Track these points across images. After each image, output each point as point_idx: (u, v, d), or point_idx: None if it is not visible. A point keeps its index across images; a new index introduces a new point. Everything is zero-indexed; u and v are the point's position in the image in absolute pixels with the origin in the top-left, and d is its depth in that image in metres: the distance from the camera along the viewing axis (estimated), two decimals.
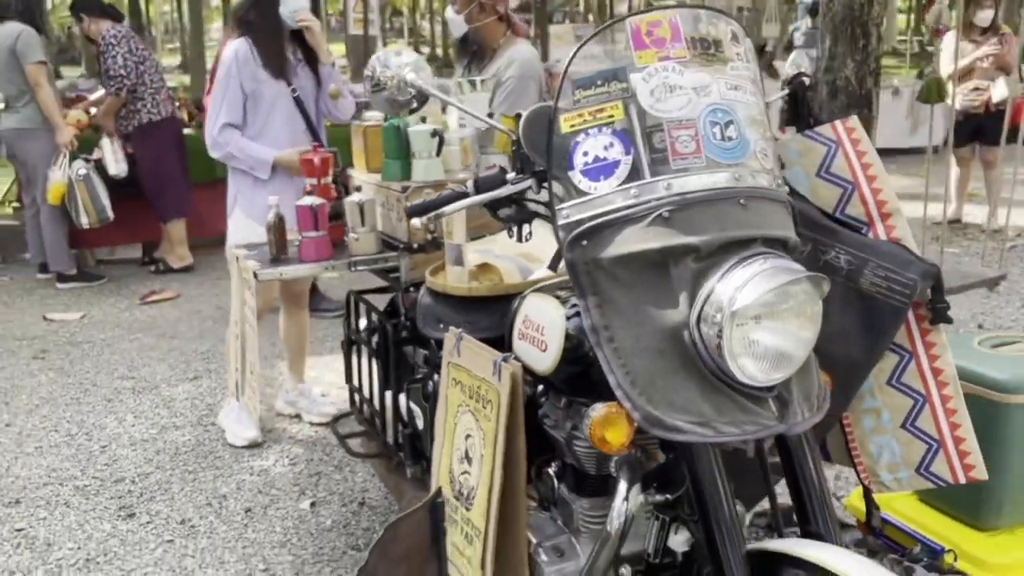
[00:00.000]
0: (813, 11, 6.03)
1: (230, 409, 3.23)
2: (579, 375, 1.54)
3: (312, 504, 2.77)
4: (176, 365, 4.01)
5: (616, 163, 1.32)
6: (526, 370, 1.59)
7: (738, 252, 1.28)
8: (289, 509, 2.74)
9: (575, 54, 1.36)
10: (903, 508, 1.99)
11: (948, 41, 6.01)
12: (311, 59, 3.08)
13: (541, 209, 1.46)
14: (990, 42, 5.79)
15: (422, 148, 2.20)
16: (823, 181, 1.66)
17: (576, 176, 1.34)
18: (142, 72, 5.05)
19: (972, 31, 5.88)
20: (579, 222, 1.33)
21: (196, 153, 5.33)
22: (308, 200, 2.22)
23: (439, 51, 25.82)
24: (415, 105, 1.52)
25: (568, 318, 1.53)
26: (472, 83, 2.38)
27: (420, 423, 2.14)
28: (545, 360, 1.55)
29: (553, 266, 1.53)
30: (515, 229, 1.53)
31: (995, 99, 5.81)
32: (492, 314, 1.88)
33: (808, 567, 1.24)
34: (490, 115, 2.31)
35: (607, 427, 1.34)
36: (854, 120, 1.66)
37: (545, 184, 1.39)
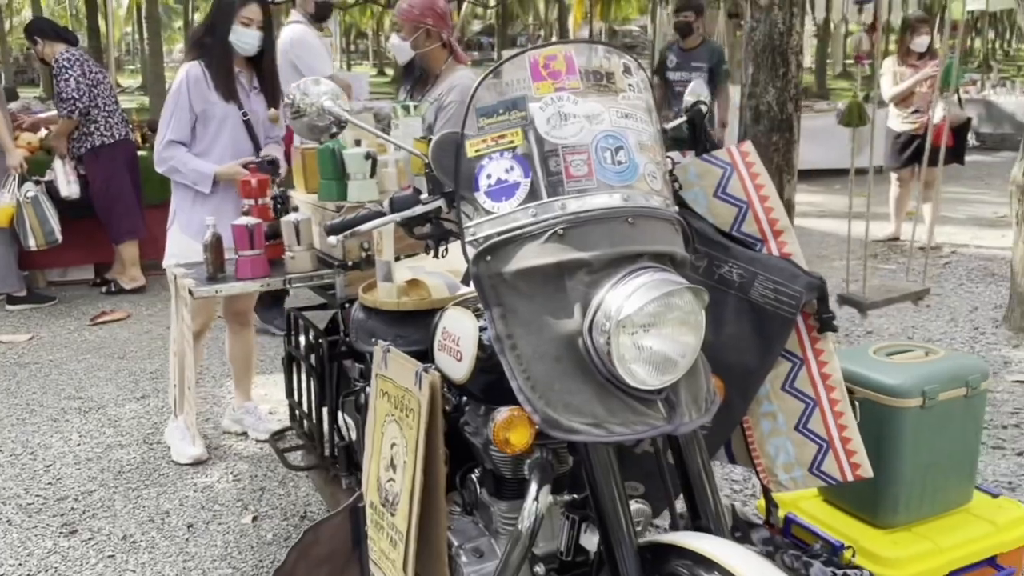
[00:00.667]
0: (682, 31, 6.17)
1: (176, 426, 3.27)
2: (493, 383, 1.63)
3: (254, 519, 2.82)
4: (124, 385, 4.04)
5: (516, 185, 1.42)
6: (450, 381, 1.69)
7: (626, 266, 1.38)
8: (231, 524, 2.79)
9: (478, 85, 1.47)
10: (808, 508, 2.11)
11: (887, 66, 6.26)
12: (266, 88, 3.16)
13: (454, 227, 1.56)
14: (929, 65, 6.00)
15: (356, 170, 2.30)
16: (720, 201, 1.78)
17: (481, 196, 1.44)
18: (95, 95, 5.09)
19: (910, 56, 6.11)
20: (484, 239, 1.43)
21: (149, 174, 5.37)
22: (244, 220, 2.30)
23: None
24: (334, 131, 1.62)
25: (482, 329, 1.63)
26: (407, 108, 2.48)
27: (354, 434, 2.22)
28: (461, 369, 1.64)
29: (465, 280, 1.63)
30: (432, 246, 1.62)
31: (934, 121, 6.01)
32: (420, 328, 1.97)
33: (693, 556, 1.34)
34: (427, 129, 2.42)
35: (510, 429, 1.44)
36: (748, 145, 1.80)
37: (454, 204, 1.50)
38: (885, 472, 1.91)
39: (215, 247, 2.31)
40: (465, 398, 1.82)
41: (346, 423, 2.28)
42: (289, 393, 2.67)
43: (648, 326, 1.36)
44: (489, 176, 1.44)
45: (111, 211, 5.29)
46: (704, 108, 1.82)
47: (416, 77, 3.20)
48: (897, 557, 1.90)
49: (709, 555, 1.33)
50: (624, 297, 1.35)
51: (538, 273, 1.40)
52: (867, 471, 1.72)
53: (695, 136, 1.81)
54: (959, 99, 6.21)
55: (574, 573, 1.73)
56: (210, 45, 3.04)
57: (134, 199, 5.36)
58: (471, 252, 1.45)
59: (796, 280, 1.67)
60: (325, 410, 2.39)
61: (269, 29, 3.10)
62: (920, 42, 6.05)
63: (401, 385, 1.78)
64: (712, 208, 1.79)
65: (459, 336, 1.67)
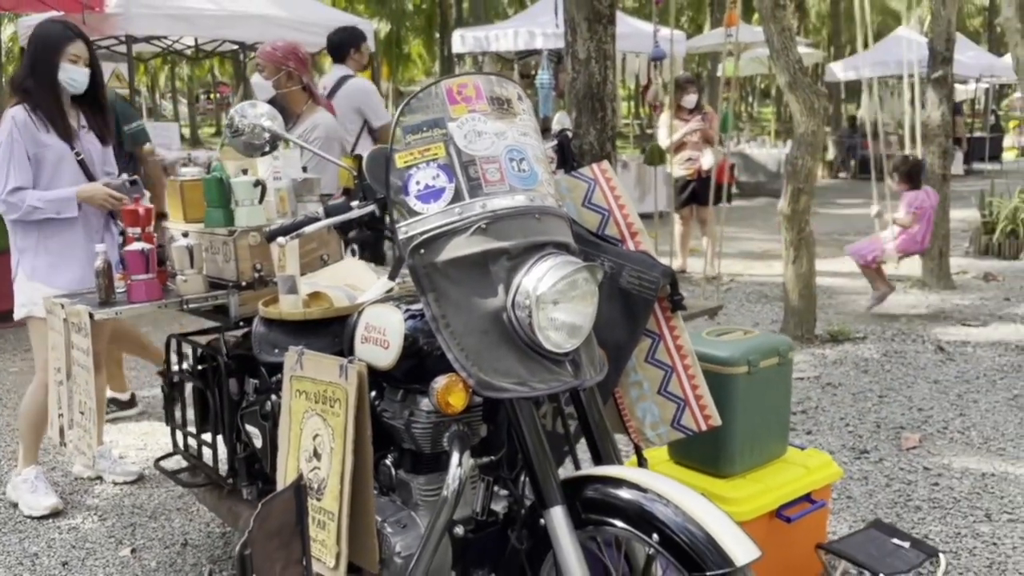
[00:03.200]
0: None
1: (22, 480, 3.15)
2: (415, 367, 1.88)
3: (132, 550, 2.81)
4: None
5: (442, 189, 1.71)
6: (375, 369, 1.90)
7: (537, 252, 1.70)
8: (109, 558, 2.77)
9: (403, 108, 1.74)
10: (663, 470, 2.49)
11: (663, 120, 7.17)
12: (94, 125, 3.14)
13: (380, 230, 1.81)
14: (695, 119, 6.99)
15: (245, 196, 2.46)
16: (587, 209, 2.16)
17: (411, 200, 1.71)
18: None
19: (682, 112, 7.07)
20: (416, 235, 1.69)
21: None
22: (138, 246, 2.39)
23: (185, 130, 25.25)
24: (267, 149, 1.82)
25: (405, 320, 1.88)
26: (286, 142, 2.66)
27: (259, 442, 2.35)
28: (388, 356, 1.88)
29: (393, 275, 1.86)
30: (356, 250, 1.86)
31: (704, 167, 6.99)
32: (324, 336, 2.18)
33: (602, 480, 1.66)
34: (304, 169, 2.62)
35: (449, 393, 1.69)
36: (606, 163, 2.19)
37: (386, 208, 1.75)
38: (723, 429, 2.32)
39: (107, 273, 2.37)
40: (374, 393, 2.05)
41: (246, 433, 2.40)
42: (170, 419, 2.72)
43: (559, 301, 1.67)
44: (418, 183, 1.71)
45: None
46: (569, 134, 2.20)
47: None
48: (738, 497, 2.31)
49: (616, 475, 1.65)
50: (537, 278, 1.66)
51: (466, 261, 1.68)
52: (716, 420, 2.12)
53: (564, 156, 2.18)
54: (721, 144, 7.22)
55: (487, 532, 1.99)
56: (33, 87, 2.98)
57: None
58: (405, 247, 1.71)
59: (654, 269, 2.06)
60: (219, 427, 2.49)
61: (96, 66, 3.08)
62: (689, 99, 7.06)
63: (322, 380, 1.98)
64: (581, 215, 2.15)
65: (384, 327, 1.90)
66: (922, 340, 5.19)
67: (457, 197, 1.70)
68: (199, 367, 2.57)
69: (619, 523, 1.61)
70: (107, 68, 8.21)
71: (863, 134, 17.11)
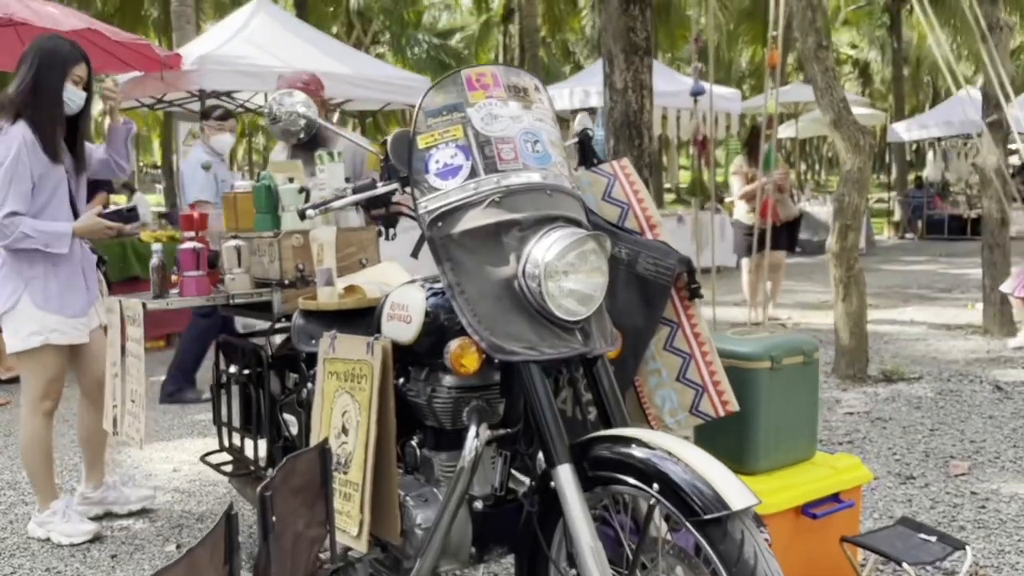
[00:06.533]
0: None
1: (51, 513, 3.03)
2: (436, 343, 1.98)
3: (178, 547, 2.93)
4: (16, 456, 4.00)
5: (460, 167, 1.83)
6: (399, 344, 2.00)
7: (548, 225, 1.80)
8: (155, 552, 2.89)
9: (426, 94, 1.89)
10: None
11: (737, 165, 7.08)
12: (71, 143, 3.01)
13: (404, 209, 1.94)
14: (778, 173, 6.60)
15: (291, 202, 2.63)
16: (607, 203, 2.25)
17: (431, 178, 1.84)
18: None
19: (757, 157, 7.00)
20: (435, 209, 1.81)
21: None
22: (190, 245, 2.57)
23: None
24: (303, 136, 1.98)
25: (427, 298, 1.99)
26: (331, 155, 2.85)
27: (295, 429, 2.46)
28: (410, 331, 1.98)
29: (414, 253, 1.98)
30: (383, 229, 1.99)
31: (782, 216, 6.76)
32: (358, 326, 2.29)
33: (611, 439, 1.71)
34: (347, 179, 2.79)
35: (463, 355, 1.78)
36: (625, 160, 2.29)
37: (407, 187, 1.88)
38: (747, 423, 2.35)
39: (161, 271, 2.55)
40: (402, 379, 2.14)
41: (285, 423, 2.52)
42: (217, 418, 2.85)
43: (567, 272, 1.76)
44: (438, 161, 1.84)
45: None
46: (591, 133, 2.31)
47: (305, 143, 3.55)
48: (762, 491, 2.30)
49: (620, 434, 1.71)
50: (546, 249, 1.76)
51: (480, 232, 1.79)
52: (734, 405, 2.15)
53: (584, 154, 2.29)
54: (792, 196, 7.08)
55: (506, 507, 2.04)
56: (35, 105, 2.85)
57: None
58: (424, 220, 1.83)
59: (670, 256, 2.13)
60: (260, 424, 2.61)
61: (91, 89, 3.03)
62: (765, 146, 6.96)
63: (351, 359, 2.09)
64: (601, 209, 2.25)
65: (408, 304, 2.01)
66: (979, 380, 5.05)
67: (473, 174, 1.81)
68: (244, 369, 2.71)
69: (622, 477, 1.65)
70: (183, 128, 8.70)
71: (931, 194, 16.90)
